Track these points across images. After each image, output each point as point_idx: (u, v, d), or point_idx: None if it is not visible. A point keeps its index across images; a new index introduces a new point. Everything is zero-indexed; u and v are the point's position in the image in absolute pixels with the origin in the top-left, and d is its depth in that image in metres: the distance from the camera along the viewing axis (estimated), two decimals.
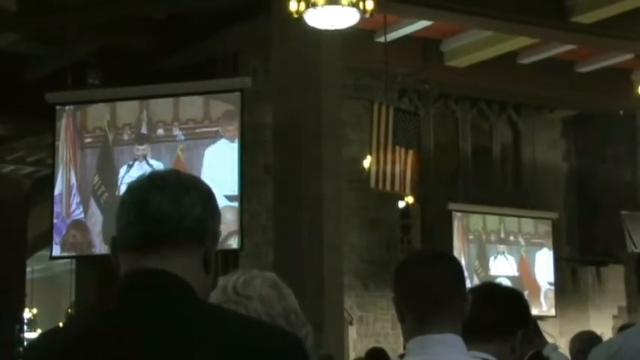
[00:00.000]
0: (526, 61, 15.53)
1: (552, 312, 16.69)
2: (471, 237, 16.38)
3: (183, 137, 12.29)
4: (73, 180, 12.54)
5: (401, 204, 15.06)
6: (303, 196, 10.87)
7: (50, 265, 20.12)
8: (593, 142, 18.21)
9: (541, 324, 5.53)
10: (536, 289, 16.58)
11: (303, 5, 9.37)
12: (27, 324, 20.45)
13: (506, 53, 15.07)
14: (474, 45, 14.81)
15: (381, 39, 13.41)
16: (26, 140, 17.63)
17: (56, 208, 12.50)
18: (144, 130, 12.44)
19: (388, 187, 13.29)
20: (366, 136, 13.55)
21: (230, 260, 12.54)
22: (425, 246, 15.52)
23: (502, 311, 2.85)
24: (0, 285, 5.34)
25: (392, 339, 14.84)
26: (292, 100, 11.16)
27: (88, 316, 1.84)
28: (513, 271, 16.61)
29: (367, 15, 9.52)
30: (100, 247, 12.24)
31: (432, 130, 16.85)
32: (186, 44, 13.38)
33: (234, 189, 11.76)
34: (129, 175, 12.29)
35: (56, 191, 12.53)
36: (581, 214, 18.21)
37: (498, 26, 13.48)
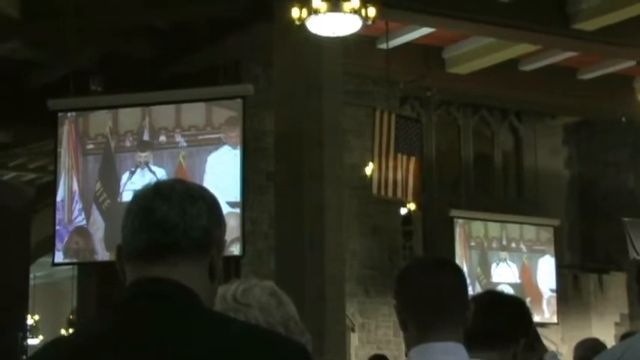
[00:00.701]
0: (528, 68, 15.54)
1: (554, 319, 16.67)
2: (472, 244, 16.37)
3: (185, 144, 12.28)
4: (75, 187, 12.54)
5: (403, 211, 15.06)
6: (304, 204, 10.87)
7: (52, 271, 20.13)
8: (594, 149, 18.21)
9: (543, 331, 5.54)
10: (538, 296, 16.56)
11: (305, 12, 9.40)
12: (29, 330, 20.44)
13: (508, 60, 15.08)
14: (476, 52, 14.83)
15: (383, 46, 13.44)
16: (28, 147, 17.64)
17: (58, 215, 12.50)
18: (146, 137, 12.44)
19: (390, 193, 13.29)
20: (368, 142, 13.55)
21: (232, 267, 12.54)
22: (427, 253, 15.53)
23: (505, 320, 2.86)
24: (3, 293, 5.34)
25: (394, 346, 14.83)
26: (294, 107, 11.17)
27: (93, 324, 1.84)
28: (515, 278, 16.60)
29: (369, 22, 9.55)
30: (102, 254, 12.24)
31: (433, 136, 16.86)
32: (189, 52, 13.40)
33: (236, 195, 11.76)
34: (131, 181, 12.29)
35: (58, 198, 12.53)
36: (583, 221, 18.20)
37: (500, 33, 13.49)
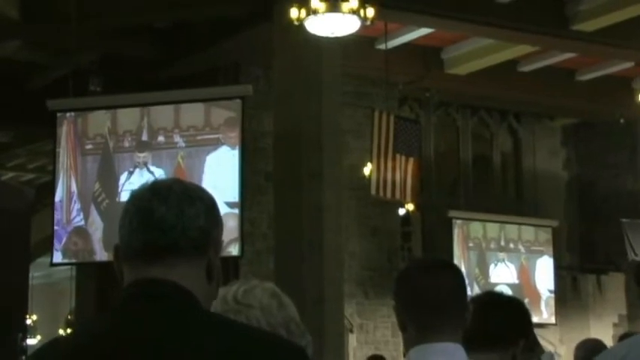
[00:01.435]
0: (526, 69, 15.54)
1: (553, 320, 16.68)
2: (471, 244, 16.37)
3: (184, 144, 12.28)
4: (74, 187, 12.53)
5: (401, 212, 15.06)
6: (303, 205, 10.87)
7: (50, 271, 20.10)
8: (593, 150, 18.21)
9: (541, 332, 5.53)
10: (536, 296, 16.57)
11: (304, 13, 9.40)
12: (27, 330, 20.41)
13: (506, 61, 15.09)
14: (475, 53, 14.83)
15: (382, 46, 13.44)
16: (27, 147, 17.64)
17: (57, 215, 12.50)
18: (144, 138, 12.43)
19: (389, 194, 13.29)
20: (367, 143, 13.56)
21: (230, 267, 12.54)
22: (426, 254, 15.53)
23: (505, 321, 2.86)
24: (3, 294, 5.34)
25: (392, 347, 14.83)
26: (293, 108, 11.17)
27: (92, 325, 1.84)
28: (513, 278, 16.60)
29: (368, 23, 9.55)
30: (101, 254, 12.23)
31: (432, 137, 16.86)
32: (189, 53, 13.40)
33: (234, 196, 11.75)
34: (129, 182, 12.28)
35: (57, 198, 12.52)
36: (581, 222, 18.21)
37: (499, 34, 13.50)
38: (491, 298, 3.06)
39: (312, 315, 9.81)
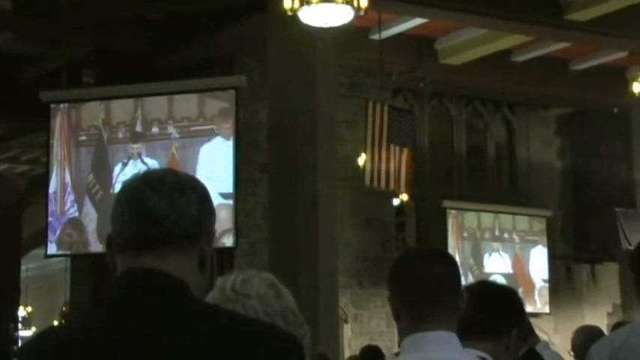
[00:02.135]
0: (520, 58, 15.54)
1: (547, 309, 16.72)
2: (465, 234, 16.40)
3: (178, 135, 12.27)
4: (68, 178, 12.53)
5: (396, 202, 15.07)
6: (298, 196, 10.87)
7: (45, 263, 20.10)
8: (587, 140, 18.24)
9: (535, 321, 5.54)
10: (530, 286, 16.61)
11: (297, 3, 9.38)
12: (21, 322, 20.44)
13: (500, 51, 15.08)
14: (469, 43, 14.82)
15: (376, 37, 13.42)
16: (21, 139, 17.61)
17: (51, 207, 12.49)
18: (138, 129, 12.42)
19: (383, 185, 13.29)
20: (361, 134, 13.54)
21: (225, 259, 12.54)
22: (420, 244, 15.55)
23: (498, 310, 2.87)
24: None
25: (387, 337, 14.85)
26: (288, 99, 11.15)
27: (84, 316, 1.83)
28: (508, 268, 16.63)
29: (361, 13, 9.52)
30: (95, 246, 12.23)
31: (426, 128, 16.87)
32: (182, 44, 13.37)
33: (229, 187, 11.75)
34: (123, 173, 12.28)
35: (51, 189, 12.51)
36: (575, 212, 18.24)
37: (493, 24, 13.49)
38: (484, 288, 3.05)
39: (307, 305, 9.80)
